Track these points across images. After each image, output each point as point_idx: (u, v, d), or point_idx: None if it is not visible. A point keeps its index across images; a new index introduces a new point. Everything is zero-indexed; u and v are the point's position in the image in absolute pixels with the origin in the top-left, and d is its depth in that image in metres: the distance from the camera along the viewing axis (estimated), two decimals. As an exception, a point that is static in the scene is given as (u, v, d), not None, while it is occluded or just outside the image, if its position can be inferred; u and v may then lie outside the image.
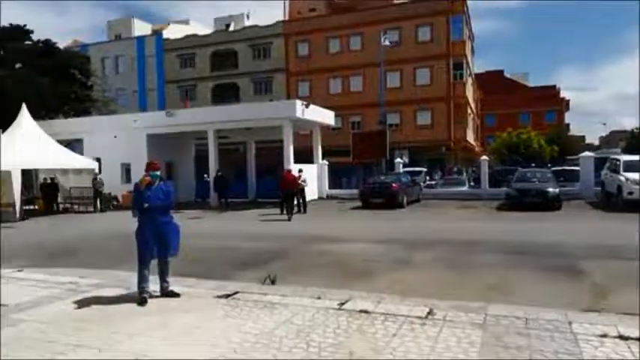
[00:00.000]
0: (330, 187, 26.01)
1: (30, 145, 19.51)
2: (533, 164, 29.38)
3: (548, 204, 16.73)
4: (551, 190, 17.33)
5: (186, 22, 50.95)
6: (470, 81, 43.59)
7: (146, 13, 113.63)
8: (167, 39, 44.81)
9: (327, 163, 25.67)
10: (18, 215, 18.26)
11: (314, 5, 44.80)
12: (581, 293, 6.41)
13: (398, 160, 25.14)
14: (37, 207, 22.09)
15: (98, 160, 24.90)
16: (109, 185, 23.22)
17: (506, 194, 18.48)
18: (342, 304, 5.82)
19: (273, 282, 7.13)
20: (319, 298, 6.15)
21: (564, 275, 7.52)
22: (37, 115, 23.80)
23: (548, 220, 14.21)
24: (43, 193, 22.38)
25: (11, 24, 32.64)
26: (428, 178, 30.07)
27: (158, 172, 6.59)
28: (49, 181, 22.52)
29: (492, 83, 64.29)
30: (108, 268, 8.50)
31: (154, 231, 6.27)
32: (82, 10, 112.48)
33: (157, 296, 6.35)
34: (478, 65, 61.87)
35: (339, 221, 16.21)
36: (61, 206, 22.42)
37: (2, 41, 31.60)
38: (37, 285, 7.32)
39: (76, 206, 21.96)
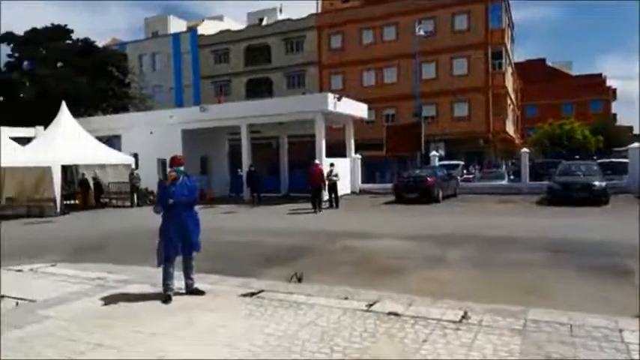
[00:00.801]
0: (363, 182, 25.60)
1: (69, 141, 20.00)
2: (577, 156, 28.12)
3: (594, 198, 15.86)
4: (597, 183, 16.44)
5: (220, 18, 51.33)
6: (509, 70, 42.11)
7: (182, 11, 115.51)
8: (202, 35, 45.28)
9: (359, 157, 25.25)
10: (58, 210, 18.77)
11: (348, -4, 44.23)
12: (632, 297, 5.87)
13: (433, 153, 24.45)
14: (77, 202, 22.70)
15: (135, 155, 25.40)
16: (146, 180, 23.60)
17: (549, 188, 17.66)
18: (370, 305, 5.55)
19: (299, 280, 6.93)
20: (346, 298, 5.89)
21: (612, 277, 6.98)
22: (76, 113, 24.43)
23: (593, 216, 13.42)
24: (82, 189, 22.99)
25: (52, 24, 33.67)
26: (465, 171, 29.20)
27: (182, 168, 6.45)
28: (86, 176, 23.12)
29: (533, 72, 61.95)
30: (138, 263, 8.48)
31: (178, 227, 6.16)
32: (121, 9, 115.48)
33: (182, 294, 6.26)
34: (518, 54, 59.91)
35: (370, 216, 15.87)
36: (100, 201, 22.95)
37: (45, 41, 32.66)
38: (67, 280, 7.38)
39: (114, 201, 22.45)
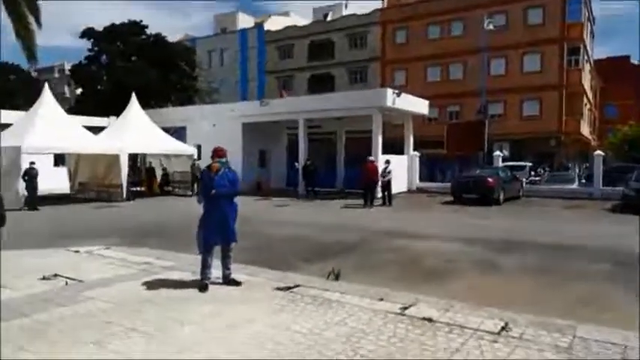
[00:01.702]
0: (422, 180, 24.98)
1: (137, 131, 21.01)
2: (657, 161, 25.86)
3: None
4: (677, 191, 15.01)
5: (286, 14, 51.97)
6: (587, 68, 39.34)
7: (252, 9, 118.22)
8: (268, 31, 46.02)
9: (418, 154, 24.61)
10: (124, 196, 19.78)
11: (414, -9, 43.16)
12: None
13: (497, 153, 23.33)
14: (143, 189, 23.87)
15: (199, 147, 26.29)
16: (207, 171, 24.37)
17: (623, 194, 16.34)
18: (405, 308, 5.33)
19: (337, 277, 6.80)
20: (381, 299, 5.69)
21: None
22: (146, 104, 25.66)
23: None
24: (147, 177, 24.14)
25: (129, 20, 35.59)
26: (533, 173, 27.71)
27: (224, 159, 6.51)
28: (153, 165, 24.24)
29: (615, 70, 57.44)
30: (187, 251, 8.69)
31: (218, 218, 6.25)
32: (198, 8, 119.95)
33: (219, 283, 6.35)
34: (600, 52, 55.95)
35: (423, 216, 15.36)
36: (164, 189, 23.98)
37: (121, 36, 34.60)
38: (116, 263, 7.72)
39: (177, 189, 23.37)
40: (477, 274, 7.49)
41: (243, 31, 47.81)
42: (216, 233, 6.26)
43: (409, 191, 23.47)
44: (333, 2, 48.72)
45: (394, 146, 23.93)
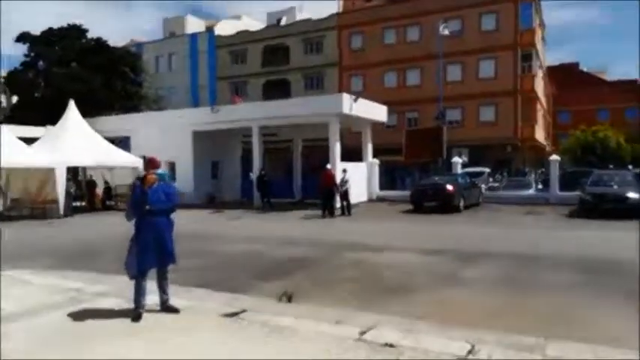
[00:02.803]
0: (382, 188, 24.34)
1: (75, 142, 19.38)
2: (611, 166, 26.30)
3: (628, 211, 14.28)
4: (631, 195, 15.02)
5: (238, 17, 50.63)
6: (540, 74, 40.23)
7: (203, 12, 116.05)
8: (219, 35, 44.65)
9: (377, 162, 24.00)
10: (61, 212, 18.11)
11: (370, -5, 42.97)
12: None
13: (456, 159, 23.04)
14: (84, 203, 22.09)
15: (144, 157, 24.67)
16: (155, 182, 22.84)
17: (580, 199, 16.29)
18: (364, 332, 4.70)
19: (289, 299, 6.06)
20: (338, 323, 5.04)
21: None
22: (88, 113, 23.89)
23: (629, 230, 11.86)
24: (88, 191, 22.36)
25: (69, 23, 33.48)
26: (491, 179, 27.65)
27: (160, 170, 5.78)
28: (94, 178, 22.49)
29: (566, 77, 59.43)
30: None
31: (154, 236, 5.45)
32: (147, 10, 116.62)
33: (157, 310, 5.55)
34: (551, 58, 57.69)
35: (383, 226, 14.79)
36: (106, 203, 22.25)
37: (60, 40, 32.45)
38: (42, 290, 6.80)
39: (119, 204, 21.68)
40: (440, 289, 6.91)
41: (193, 35, 46.20)
42: (151, 254, 5.44)
43: (369, 200, 22.81)
44: (287, 6, 47.90)
45: (353, 154, 23.20)
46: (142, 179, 5.58)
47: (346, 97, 20.52)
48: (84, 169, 23.40)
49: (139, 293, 5.40)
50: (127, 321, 5.18)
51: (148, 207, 5.37)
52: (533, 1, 35.59)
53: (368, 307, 5.75)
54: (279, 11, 47.71)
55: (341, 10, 42.28)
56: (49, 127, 22.78)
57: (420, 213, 17.55)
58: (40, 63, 33.46)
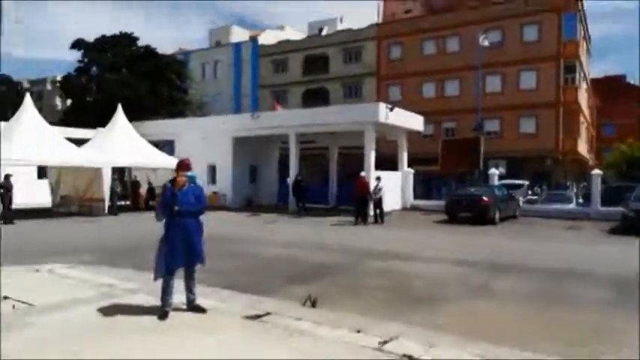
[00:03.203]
0: (417, 198, 24.37)
1: (121, 144, 20.34)
2: (658, 181, 25.27)
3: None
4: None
5: (281, 27, 51.82)
6: (584, 86, 39.14)
7: (246, 22, 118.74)
8: (262, 45, 45.77)
9: (412, 171, 24.04)
10: (106, 210, 19.04)
11: (410, 7, 43.13)
12: None
13: (493, 170, 22.79)
14: (128, 203, 23.12)
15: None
16: (196, 185, 23.69)
17: (622, 215, 15.74)
18: (385, 342, 4.68)
19: (313, 304, 6.11)
20: (359, 331, 5.03)
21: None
22: (135, 117, 25.05)
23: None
24: (133, 191, 23.41)
25: (120, 31, 35.18)
26: (530, 192, 27.16)
27: (191, 173, 5.89)
28: (138, 179, 23.53)
29: (612, 89, 57.49)
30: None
31: (183, 237, 5.60)
32: (198, 19, 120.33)
33: (183, 309, 5.69)
34: (596, 71, 55.92)
35: (416, 236, 14.70)
36: (149, 203, 23.21)
37: (112, 47, 34.15)
38: (76, 285, 7.08)
39: (162, 204, 22.58)
40: (468, 301, 6.82)
41: (238, 44, 47.52)
42: (179, 255, 5.60)
43: (403, 208, 22.84)
44: (329, 17, 48.60)
45: (389, 162, 23.37)
46: (172, 181, 5.75)
47: (382, 106, 20.71)
48: (129, 169, 24.51)
49: (166, 292, 5.53)
50: (153, 318, 5.34)
51: (177, 208, 5.52)
52: (578, 12, 34.83)
53: (392, 316, 5.73)
54: (320, 21, 48.49)
55: (381, 20, 42.53)
56: (99, 130, 24.05)
57: (453, 224, 17.37)
58: (93, 69, 35.29)
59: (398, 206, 22.58)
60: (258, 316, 5.52)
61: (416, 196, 24.34)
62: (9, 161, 16.22)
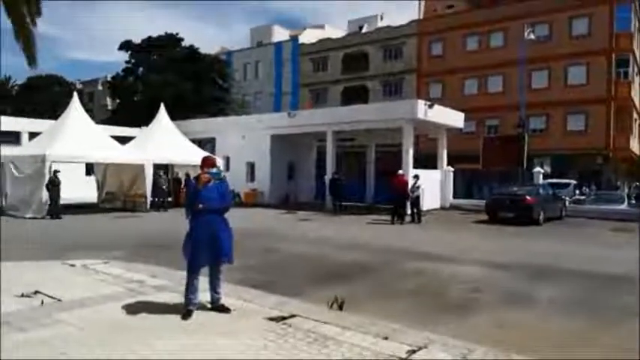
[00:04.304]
0: (458, 196, 23.76)
1: (163, 142, 20.85)
2: None
3: None
4: None
5: (321, 26, 51.80)
6: (638, 80, 37.04)
7: (287, 21, 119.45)
8: (302, 43, 45.92)
9: (451, 169, 23.44)
10: (149, 206, 19.55)
11: (452, 2, 42.09)
12: None
13: (537, 169, 21.90)
14: (170, 199, 23.66)
15: (227, 158, 26.06)
16: (235, 183, 23.98)
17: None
18: (413, 351, 4.43)
19: (340, 307, 5.95)
20: (386, 338, 4.81)
21: None
22: (178, 116, 25.66)
23: None
24: (174, 188, 23.93)
25: (166, 32, 36.14)
26: (577, 192, 25.98)
27: (215, 169, 5.86)
28: (180, 176, 24.04)
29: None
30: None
31: (207, 235, 5.54)
32: (236, 20, 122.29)
33: (207, 308, 5.66)
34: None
35: (453, 236, 14.21)
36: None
37: (158, 48, 35.12)
38: (107, 280, 7.16)
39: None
40: (505, 308, 6.46)
41: (278, 44, 47.88)
42: (204, 252, 5.54)
43: (442, 208, 22.31)
44: (369, 13, 48.19)
45: (429, 160, 22.90)
46: (197, 178, 5.71)
47: (421, 103, 20.29)
48: (172, 167, 25.11)
49: (190, 291, 5.46)
50: (176, 317, 5.28)
51: (200, 205, 5.47)
52: (632, 2, 32.95)
53: (422, 323, 5.47)
54: (360, 19, 48.17)
55: (422, 17, 41.75)
56: (143, 128, 24.80)
57: (494, 224, 16.81)
58: (140, 69, 36.45)
59: (437, 205, 22.07)
60: (283, 318, 5.38)
61: (456, 195, 23.74)
62: (56, 157, 16.94)
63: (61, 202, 17.35)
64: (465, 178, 26.70)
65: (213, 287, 5.70)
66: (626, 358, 4.71)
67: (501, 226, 16.32)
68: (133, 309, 5.67)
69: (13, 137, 24.22)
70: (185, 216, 5.79)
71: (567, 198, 21.64)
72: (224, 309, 5.60)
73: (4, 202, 18.21)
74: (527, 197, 16.80)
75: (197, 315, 5.43)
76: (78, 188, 22.24)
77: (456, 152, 26.07)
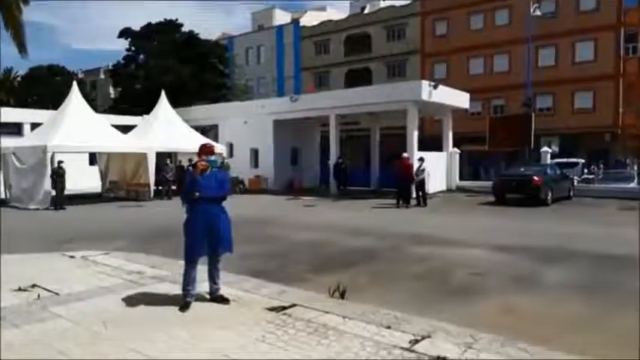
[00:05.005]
0: (463, 178, 23.50)
1: (164, 130, 20.68)
2: None
3: None
4: None
5: (323, 8, 50.99)
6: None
7: (288, 4, 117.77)
8: (304, 26, 45.26)
9: (458, 151, 23.13)
10: (152, 194, 19.47)
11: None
12: None
13: (545, 148, 21.54)
14: (174, 188, 23.57)
15: (230, 145, 25.89)
16: (239, 169, 23.89)
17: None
18: (416, 341, 4.28)
19: (342, 295, 5.81)
20: (389, 327, 4.66)
21: None
22: (179, 103, 25.42)
23: None
24: (177, 176, 23.82)
25: (165, 18, 35.71)
26: (586, 171, 25.62)
27: (214, 157, 5.66)
28: (183, 164, 23.92)
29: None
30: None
31: (205, 224, 5.39)
32: (245, 7, 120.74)
33: (206, 299, 5.54)
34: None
35: (459, 219, 13.99)
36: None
37: (156, 34, 34.73)
38: (105, 272, 7.06)
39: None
40: (512, 293, 6.29)
41: (279, 27, 47.26)
42: (201, 242, 5.41)
43: (448, 190, 22.08)
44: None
45: (435, 142, 22.61)
46: (193, 165, 5.55)
47: (425, 84, 19.92)
48: (176, 154, 24.98)
49: (187, 282, 5.35)
50: (174, 309, 5.18)
51: (197, 194, 5.31)
52: (642, -25, 32.07)
53: (427, 309, 5.32)
54: (362, 0, 47.36)
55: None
56: (145, 117, 24.62)
57: (501, 205, 16.58)
58: (141, 57, 36.13)
59: (443, 187, 21.84)
60: (283, 308, 5.26)
61: (463, 177, 23.48)
62: (58, 148, 16.84)
63: (66, 192, 17.29)
64: (472, 160, 26.42)
65: (212, 278, 5.58)
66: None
67: (508, 207, 16.11)
68: (130, 301, 5.57)
69: (15, 128, 24.16)
70: (181, 204, 5.63)
71: (576, 177, 21.34)
72: (223, 300, 5.49)
73: (8, 194, 18.19)
74: (535, 177, 16.52)
75: (195, 306, 5.32)
76: (82, 178, 22.26)
77: (463, 133, 25.72)
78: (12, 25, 8.80)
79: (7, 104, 38.46)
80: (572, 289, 6.43)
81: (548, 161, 20.84)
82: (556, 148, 25.79)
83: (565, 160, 24.73)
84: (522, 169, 17.94)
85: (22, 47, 9.19)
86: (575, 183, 20.17)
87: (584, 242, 9.68)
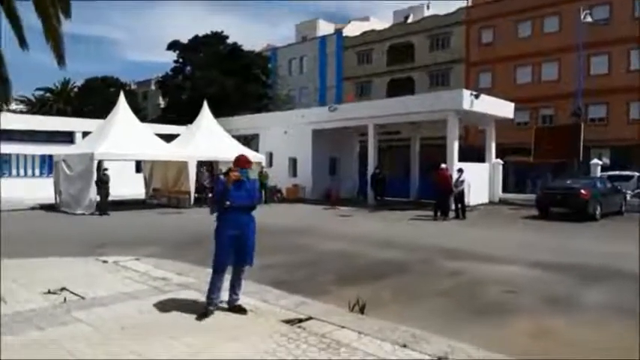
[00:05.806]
0: (508, 191, 22.68)
1: (206, 139, 21.14)
2: None
3: None
4: None
5: (366, 18, 51.00)
6: None
7: (332, 15, 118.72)
8: (347, 36, 45.39)
9: (501, 162, 22.36)
10: (192, 202, 19.88)
11: (503, -13, 40.13)
12: None
13: (595, 160, 20.47)
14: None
15: (270, 154, 26.17)
16: (278, 178, 24.11)
17: None
18: (432, 362, 4.07)
19: (362, 310, 5.63)
20: (405, 346, 4.46)
21: None
22: (222, 113, 25.98)
23: None
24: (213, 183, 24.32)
25: (211, 31, 36.73)
26: (642, 185, 24.14)
27: (247, 170, 5.68)
28: (221, 172, 24.35)
29: None
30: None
31: (234, 235, 5.40)
32: (289, 19, 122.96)
33: (224, 309, 5.51)
34: None
35: (498, 233, 13.44)
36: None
37: (202, 46, 35.78)
38: (133, 278, 7.17)
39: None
40: (546, 314, 5.90)
41: (322, 38, 47.61)
42: (228, 252, 5.41)
43: (490, 203, 21.35)
44: (415, 3, 46.93)
45: (479, 153, 21.99)
46: (226, 174, 5.58)
47: (466, 93, 19.42)
48: (216, 163, 25.48)
49: (212, 290, 5.35)
50: (191, 317, 5.16)
51: (228, 203, 5.34)
52: None
53: (450, 329, 5.06)
54: (406, 9, 47.03)
55: (470, 3, 40.18)
56: (188, 126, 25.30)
57: (545, 220, 15.83)
58: (187, 68, 37.32)
59: (485, 199, 21.14)
60: (299, 321, 5.15)
61: (507, 189, 22.66)
62: (104, 156, 17.52)
63: (113, 198, 17.94)
64: (517, 171, 25.48)
65: (233, 288, 5.57)
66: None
67: (553, 222, 15.35)
68: (150, 308, 5.60)
69: (68, 137, 25.42)
70: (209, 212, 5.65)
71: (629, 192, 20.12)
72: (240, 310, 5.45)
73: (58, 199, 19.07)
74: (582, 191, 15.68)
75: (213, 316, 5.29)
76: (128, 185, 23.07)
77: (509, 144, 24.88)
78: (52, 37, 9.27)
79: (65, 113, 40.55)
80: (615, 312, 5.97)
81: (599, 174, 19.79)
82: (607, 161, 24.45)
83: (618, 172, 23.41)
84: (569, 182, 17.11)
85: (60, 59, 9.65)
86: (628, 197, 19.03)
87: (632, 262, 9.03)
